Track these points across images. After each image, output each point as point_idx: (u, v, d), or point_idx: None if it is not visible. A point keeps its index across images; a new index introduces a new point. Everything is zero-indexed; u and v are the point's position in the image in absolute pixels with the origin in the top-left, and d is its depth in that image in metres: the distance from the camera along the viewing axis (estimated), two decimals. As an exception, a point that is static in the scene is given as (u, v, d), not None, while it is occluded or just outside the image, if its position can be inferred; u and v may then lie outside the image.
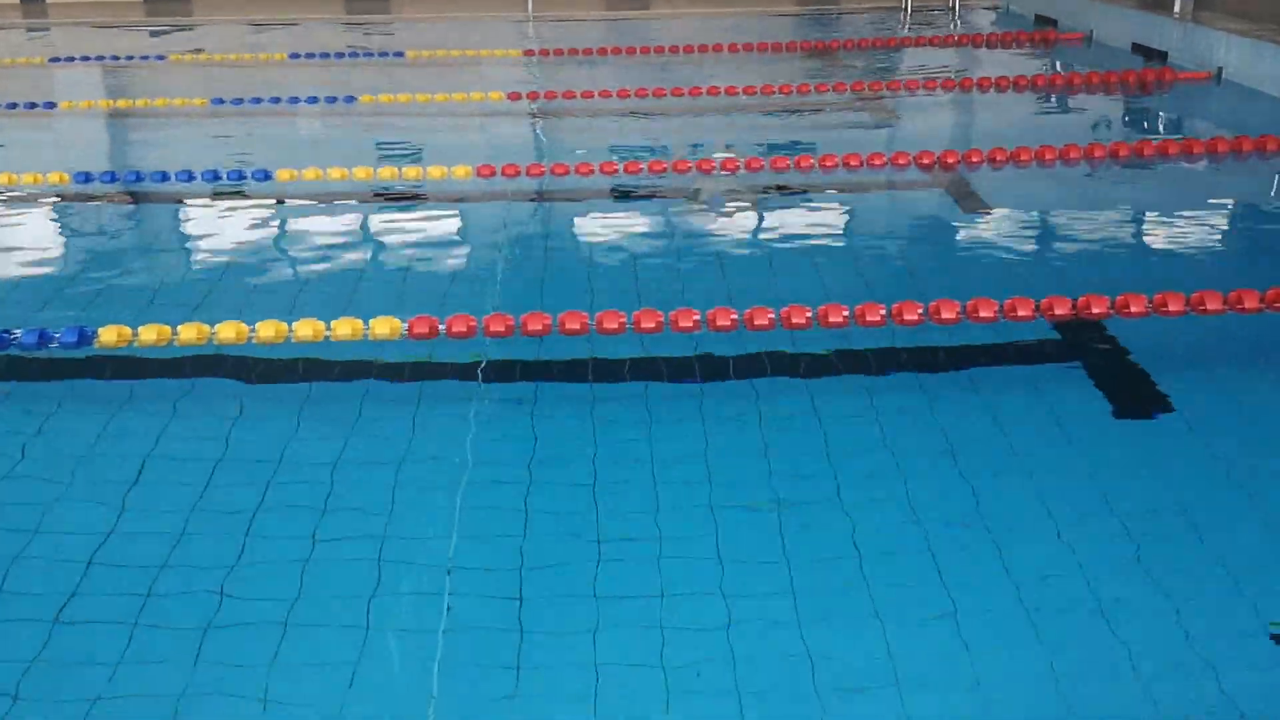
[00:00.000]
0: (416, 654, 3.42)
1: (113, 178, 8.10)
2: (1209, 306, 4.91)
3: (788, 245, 6.82)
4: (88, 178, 8.02)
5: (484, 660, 3.39)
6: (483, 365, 5.08)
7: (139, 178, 8.06)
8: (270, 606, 3.60)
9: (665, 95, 10.31)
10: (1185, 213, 7.13)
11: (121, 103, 11.39)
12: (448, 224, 7.33)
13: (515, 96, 10.66)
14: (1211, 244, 6.68)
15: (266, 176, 7.90)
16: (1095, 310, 4.96)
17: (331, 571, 3.77)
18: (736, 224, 7.25)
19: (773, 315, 4.87)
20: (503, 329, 4.87)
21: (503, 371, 5.07)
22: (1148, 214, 7.29)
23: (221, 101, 10.56)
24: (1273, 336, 5.24)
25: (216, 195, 7.76)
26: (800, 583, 3.68)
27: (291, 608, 3.59)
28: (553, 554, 3.84)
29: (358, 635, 3.47)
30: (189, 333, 4.85)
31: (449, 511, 4.08)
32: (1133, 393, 4.84)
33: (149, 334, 4.84)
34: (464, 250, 6.83)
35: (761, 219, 7.32)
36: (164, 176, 7.95)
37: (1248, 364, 5.10)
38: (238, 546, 3.88)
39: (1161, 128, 9.89)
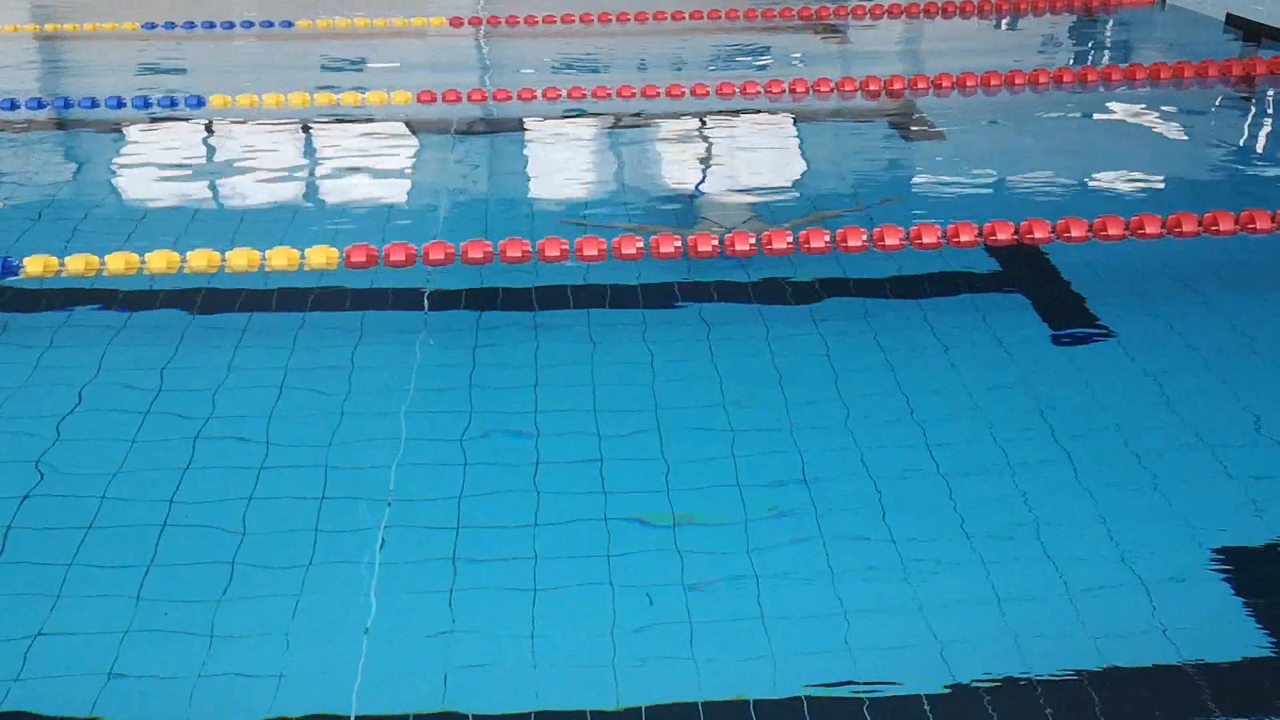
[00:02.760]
0: (356, 585, 3.40)
1: (40, 104, 7.85)
2: (1148, 230, 4.95)
3: (732, 171, 6.78)
4: (13, 104, 7.77)
5: (422, 588, 3.39)
6: (427, 294, 5.03)
7: (67, 104, 7.82)
8: (213, 540, 3.56)
9: (610, 20, 10.15)
10: (1127, 138, 7.16)
11: (49, 26, 11.00)
12: (388, 151, 7.19)
13: (458, 21, 10.44)
14: (1152, 169, 6.72)
15: (200, 103, 7.69)
16: (1037, 234, 4.98)
17: (274, 506, 3.73)
18: (681, 150, 7.19)
19: (715, 241, 4.84)
20: (442, 257, 4.81)
21: (446, 300, 5.03)
22: (1090, 140, 7.31)
23: (154, 25, 10.25)
24: (1208, 260, 5.30)
25: (148, 122, 7.55)
26: (747, 505, 3.70)
27: (236, 543, 3.55)
28: (493, 483, 3.84)
29: (299, 571, 3.45)
30: (117, 263, 4.72)
31: (391, 442, 4.07)
32: (1072, 317, 4.89)
33: (76, 264, 4.71)
34: (404, 178, 6.71)
35: (706, 145, 7.25)
36: (93, 103, 7.72)
37: (1184, 288, 5.16)
38: (177, 482, 3.83)
39: (1106, 53, 9.90)
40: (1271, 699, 2.99)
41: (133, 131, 7.46)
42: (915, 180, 6.73)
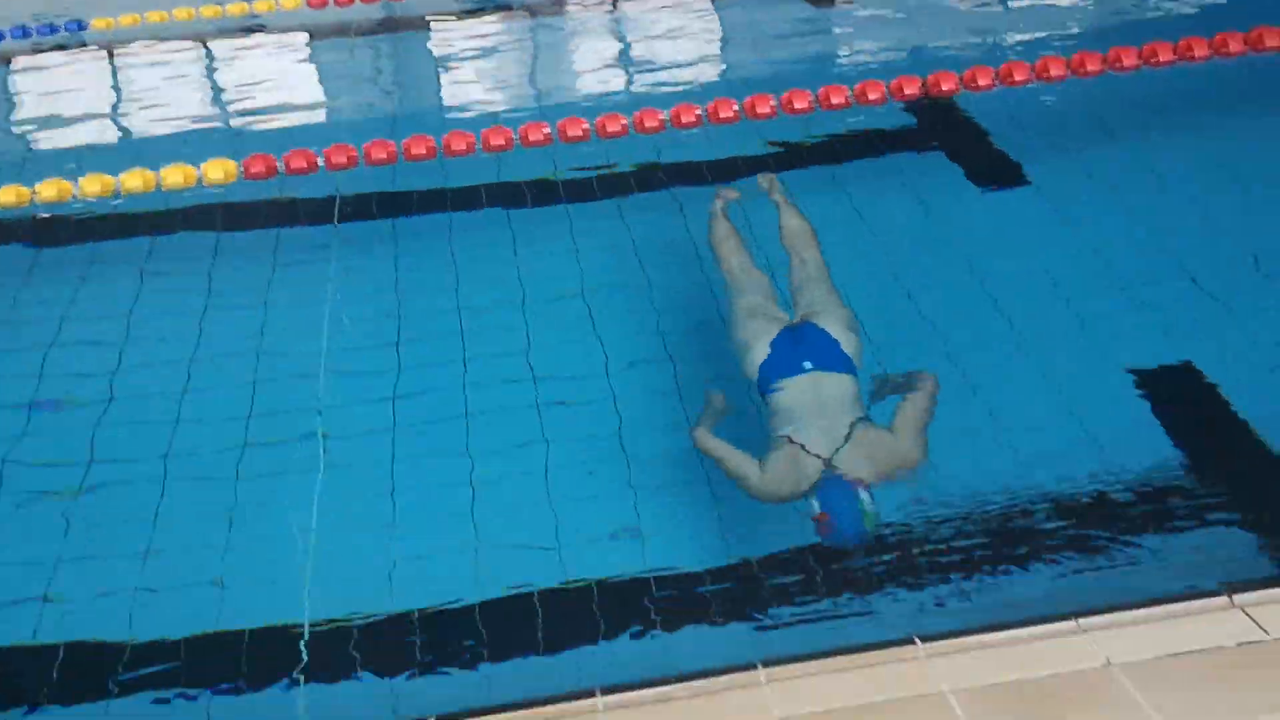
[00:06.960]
0: (296, 494, 3.38)
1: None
2: (1053, 73, 4.93)
3: (637, 49, 6.65)
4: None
5: (363, 491, 3.38)
6: (337, 204, 4.91)
7: (-56, 41, 7.41)
8: (143, 465, 3.50)
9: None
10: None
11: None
12: (281, 59, 6.93)
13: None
14: (1055, 12, 6.67)
15: (81, 27, 7.34)
16: (945, 87, 4.94)
17: (203, 427, 3.68)
18: (584, 31, 7.02)
19: (625, 121, 4.75)
20: (345, 160, 4.66)
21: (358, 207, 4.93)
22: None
23: (23, -49, 9.71)
24: (1114, 98, 5.31)
25: (29, 52, 7.20)
26: (683, 385, 3.72)
27: (164, 463, 3.51)
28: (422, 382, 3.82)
29: (230, 485, 3.42)
30: (8, 196, 4.53)
31: (316, 353, 4.01)
32: (990, 168, 4.89)
33: (-33, 200, 4.52)
34: (300, 85, 6.49)
35: (611, 23, 7.09)
36: (-30, 37, 7.33)
37: (1093, 128, 5.18)
38: (103, 410, 3.75)
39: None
40: (1194, 500, 3.15)
41: (14, 62, 7.11)
42: (822, 44, 6.65)
